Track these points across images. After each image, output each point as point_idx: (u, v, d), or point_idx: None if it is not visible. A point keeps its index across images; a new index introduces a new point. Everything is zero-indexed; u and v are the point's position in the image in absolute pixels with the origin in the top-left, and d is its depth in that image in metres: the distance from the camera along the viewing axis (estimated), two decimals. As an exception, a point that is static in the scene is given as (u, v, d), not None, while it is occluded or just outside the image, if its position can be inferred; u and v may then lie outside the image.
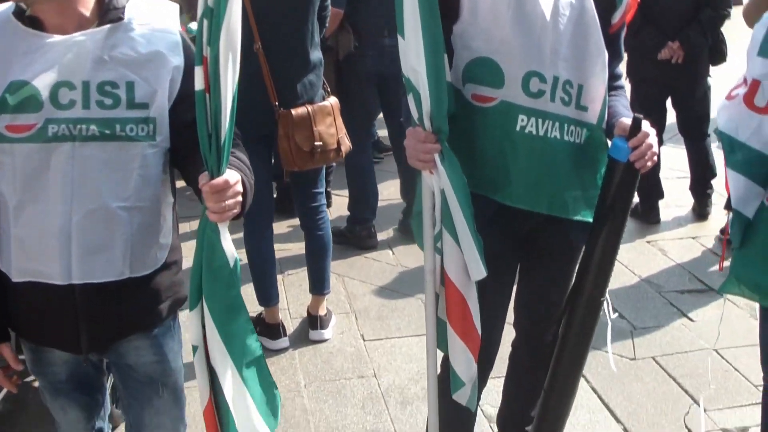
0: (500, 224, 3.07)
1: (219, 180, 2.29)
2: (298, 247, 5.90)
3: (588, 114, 3.00)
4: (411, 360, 4.80)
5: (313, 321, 5.03)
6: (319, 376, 4.66)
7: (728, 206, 3.04)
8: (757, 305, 3.18)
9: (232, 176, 2.32)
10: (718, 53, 6.55)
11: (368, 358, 4.84)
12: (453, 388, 3.05)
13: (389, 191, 6.97)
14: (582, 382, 4.14)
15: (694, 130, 6.66)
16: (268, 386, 2.58)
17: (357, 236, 6.23)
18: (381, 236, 6.39)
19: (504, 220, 3.08)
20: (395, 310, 5.37)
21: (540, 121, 2.93)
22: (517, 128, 2.92)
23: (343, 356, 4.86)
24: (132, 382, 2.79)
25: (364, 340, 5.03)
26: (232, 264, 2.41)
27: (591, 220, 3.08)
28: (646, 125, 2.86)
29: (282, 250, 5.96)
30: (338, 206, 6.84)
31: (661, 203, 6.83)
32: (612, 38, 3.04)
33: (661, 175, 6.76)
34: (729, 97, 3.09)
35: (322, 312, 5.04)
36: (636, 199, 6.47)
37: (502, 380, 3.75)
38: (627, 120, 2.91)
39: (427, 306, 3.01)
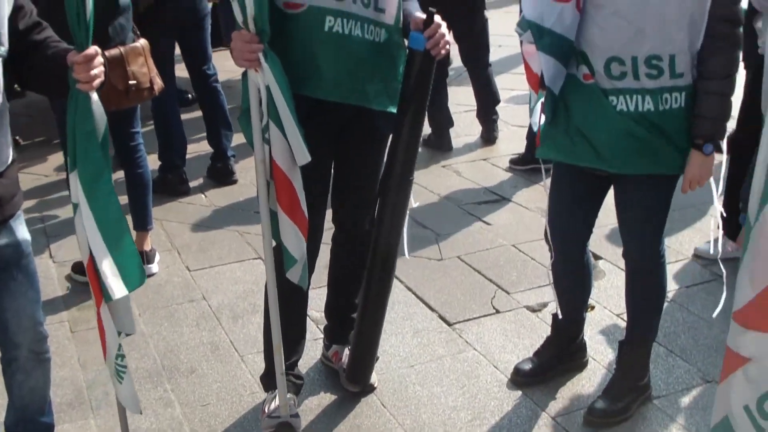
0: (316, 120, 3.41)
1: (90, 49, 2.68)
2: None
3: (385, 15, 3.42)
4: (236, 282, 5.08)
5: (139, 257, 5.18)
6: (151, 305, 4.85)
7: (542, 85, 3.50)
8: (544, 206, 3.65)
9: (97, 48, 2.70)
10: None
11: (196, 284, 5.07)
12: (286, 266, 3.37)
13: (194, 145, 7.13)
14: (396, 283, 4.53)
15: (477, 60, 7.13)
16: (130, 253, 2.95)
17: (169, 183, 6.36)
18: (192, 184, 6.54)
19: (319, 115, 3.44)
20: (215, 243, 5.61)
21: (345, 20, 3.32)
22: (326, 29, 3.30)
23: (172, 285, 5.07)
24: None
25: (189, 271, 5.25)
26: (102, 129, 2.76)
27: (395, 110, 3.48)
28: (437, 18, 3.32)
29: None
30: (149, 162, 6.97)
31: (452, 132, 7.27)
32: None
33: (450, 109, 7.23)
34: None
35: (147, 248, 5.20)
36: (428, 129, 6.94)
37: (325, 289, 4.12)
38: (421, 15, 3.35)
39: (259, 193, 3.31)
